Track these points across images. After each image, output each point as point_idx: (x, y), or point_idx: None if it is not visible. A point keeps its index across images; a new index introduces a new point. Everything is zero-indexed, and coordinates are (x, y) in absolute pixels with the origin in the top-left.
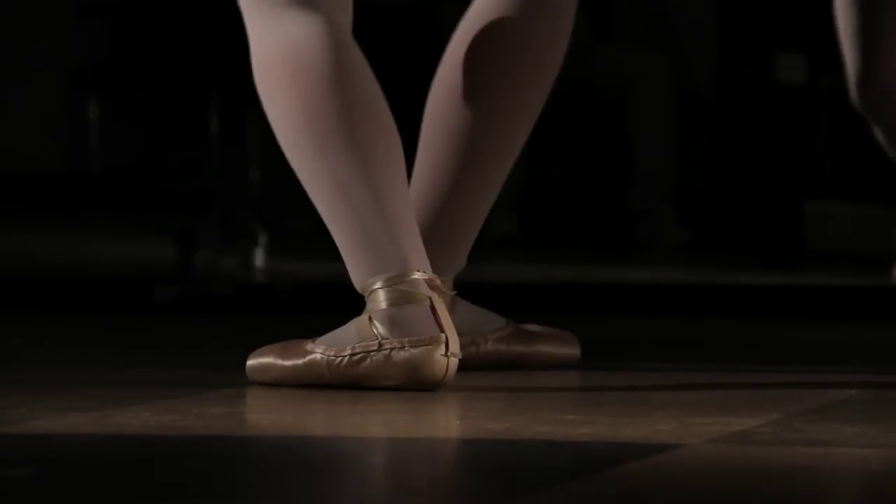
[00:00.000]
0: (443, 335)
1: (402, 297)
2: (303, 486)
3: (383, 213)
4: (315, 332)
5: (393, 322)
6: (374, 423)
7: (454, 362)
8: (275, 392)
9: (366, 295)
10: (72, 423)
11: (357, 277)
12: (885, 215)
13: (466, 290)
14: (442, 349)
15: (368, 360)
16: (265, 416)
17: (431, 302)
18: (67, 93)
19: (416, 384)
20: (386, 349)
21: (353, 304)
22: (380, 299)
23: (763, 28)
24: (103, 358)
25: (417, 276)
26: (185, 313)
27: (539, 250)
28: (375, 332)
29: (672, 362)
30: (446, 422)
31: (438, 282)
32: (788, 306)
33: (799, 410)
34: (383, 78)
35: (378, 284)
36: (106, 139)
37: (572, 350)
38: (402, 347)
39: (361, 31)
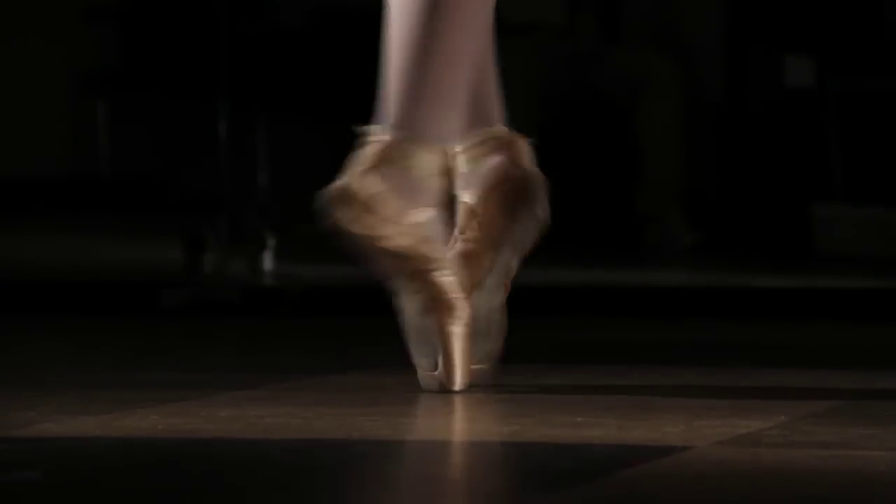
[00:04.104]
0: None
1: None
2: (311, 488)
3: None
4: (322, 334)
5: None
6: (383, 425)
7: None
8: (283, 394)
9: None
10: (80, 427)
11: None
12: (893, 218)
13: None
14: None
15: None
16: (274, 418)
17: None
18: (77, 97)
19: None
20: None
21: (359, 307)
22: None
23: (771, 31)
24: (112, 361)
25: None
26: (194, 316)
27: (548, 253)
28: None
29: (680, 365)
30: (454, 424)
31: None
32: (796, 309)
33: (807, 413)
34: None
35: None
36: (115, 143)
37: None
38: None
39: (369, 34)
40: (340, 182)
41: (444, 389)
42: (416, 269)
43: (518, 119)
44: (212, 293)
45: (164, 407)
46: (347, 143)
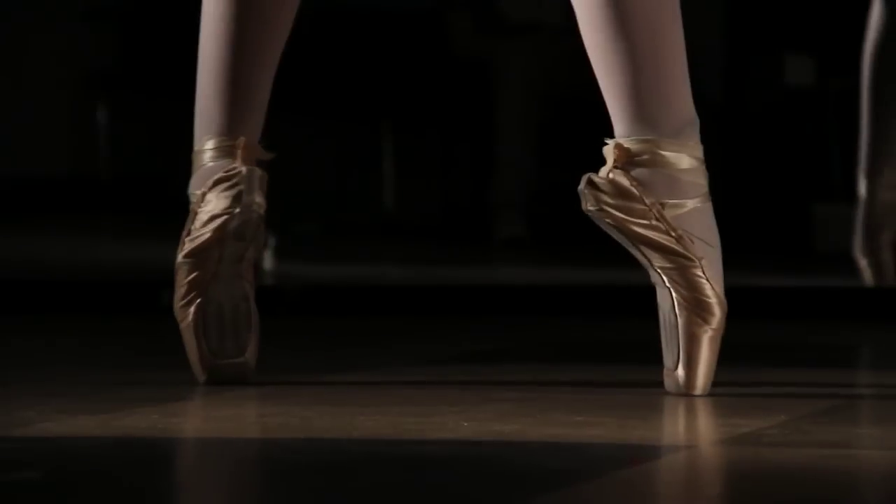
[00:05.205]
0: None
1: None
2: (311, 488)
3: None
4: (321, 334)
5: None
6: (383, 425)
7: None
8: (283, 393)
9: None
10: (80, 426)
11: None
12: None
13: (476, 292)
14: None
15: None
16: (273, 418)
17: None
18: (76, 97)
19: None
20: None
21: (359, 307)
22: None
23: (771, 30)
24: (111, 360)
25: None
26: None
27: (548, 252)
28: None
29: None
30: (455, 424)
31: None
32: (797, 308)
33: (808, 412)
34: (390, 80)
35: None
36: (115, 143)
37: None
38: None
39: (370, 34)
40: (599, 173)
41: (683, 392)
42: (672, 264)
43: (518, 119)
44: None
45: (165, 406)
46: (347, 143)
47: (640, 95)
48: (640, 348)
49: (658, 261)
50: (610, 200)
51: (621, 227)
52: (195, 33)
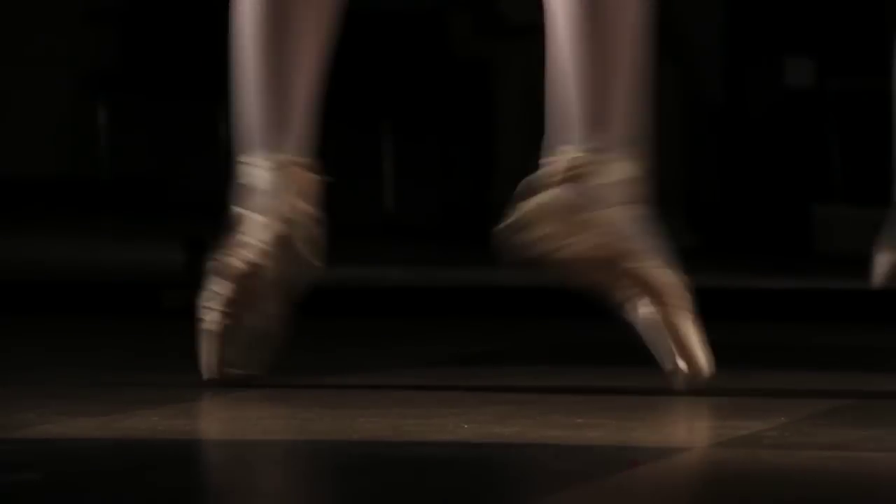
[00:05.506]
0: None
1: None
2: (311, 490)
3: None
4: (322, 334)
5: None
6: (383, 426)
7: None
8: (284, 395)
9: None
10: (80, 428)
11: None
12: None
13: (475, 293)
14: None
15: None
16: (274, 420)
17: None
18: (77, 98)
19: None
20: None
21: (359, 307)
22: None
23: (771, 32)
24: (112, 362)
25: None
26: (194, 318)
27: None
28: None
29: None
30: (455, 426)
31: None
32: (797, 310)
33: (807, 414)
34: (390, 81)
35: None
36: (115, 144)
37: None
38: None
39: (370, 34)
40: (515, 213)
41: (692, 383)
42: (613, 267)
43: (518, 119)
44: None
45: (165, 408)
46: (347, 143)
47: (597, 105)
48: (641, 350)
49: (602, 273)
50: (540, 232)
51: (559, 258)
52: (195, 33)
